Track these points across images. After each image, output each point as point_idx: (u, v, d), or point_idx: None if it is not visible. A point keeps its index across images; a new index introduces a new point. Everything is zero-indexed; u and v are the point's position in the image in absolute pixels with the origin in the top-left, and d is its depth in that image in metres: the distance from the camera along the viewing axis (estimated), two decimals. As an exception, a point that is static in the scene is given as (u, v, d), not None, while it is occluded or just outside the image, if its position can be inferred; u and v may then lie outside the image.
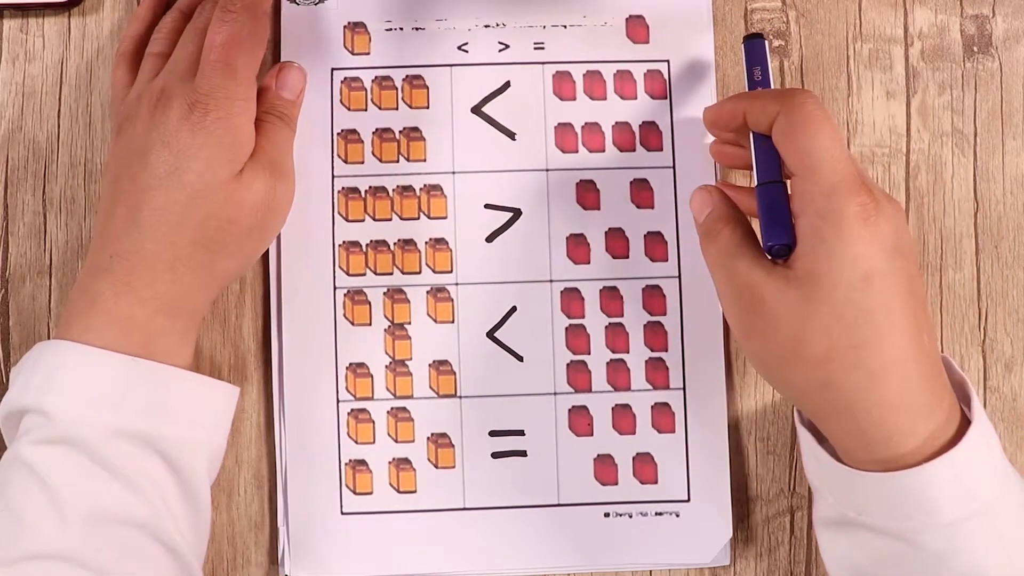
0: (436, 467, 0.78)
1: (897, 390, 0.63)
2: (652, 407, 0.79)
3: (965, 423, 0.65)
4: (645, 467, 0.78)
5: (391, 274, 0.79)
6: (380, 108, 0.80)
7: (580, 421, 0.79)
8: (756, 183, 0.69)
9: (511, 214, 0.80)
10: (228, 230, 0.71)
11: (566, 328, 0.79)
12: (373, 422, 0.78)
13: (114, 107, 0.77)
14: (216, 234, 0.71)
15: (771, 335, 0.65)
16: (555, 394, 0.79)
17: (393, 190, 0.80)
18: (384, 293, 0.79)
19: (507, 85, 0.81)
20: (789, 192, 0.67)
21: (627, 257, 0.80)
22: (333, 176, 0.80)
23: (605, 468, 0.78)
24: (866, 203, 0.63)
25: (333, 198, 0.79)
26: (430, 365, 0.79)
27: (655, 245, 0.80)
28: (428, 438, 0.78)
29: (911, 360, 0.63)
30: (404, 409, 0.78)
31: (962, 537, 0.63)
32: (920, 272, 0.69)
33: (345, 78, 0.81)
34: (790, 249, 0.65)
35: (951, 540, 0.63)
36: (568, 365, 0.79)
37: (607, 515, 0.78)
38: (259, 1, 0.73)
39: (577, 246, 0.80)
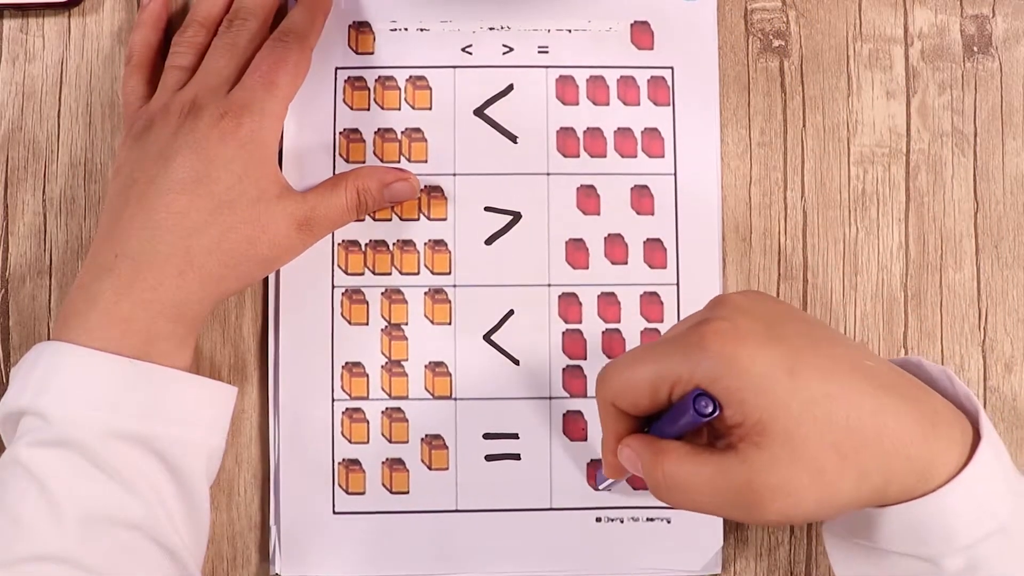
0: (429, 468, 0.79)
1: (896, 429, 0.60)
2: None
3: (976, 437, 0.62)
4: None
5: (389, 274, 0.80)
6: (383, 108, 0.80)
7: (575, 426, 0.79)
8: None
9: (511, 217, 0.80)
10: (245, 249, 0.72)
11: (563, 333, 0.80)
12: (367, 422, 0.79)
13: (127, 116, 0.77)
14: (234, 247, 0.72)
15: (791, 493, 0.59)
16: (550, 398, 0.79)
17: (394, 190, 0.80)
18: (382, 293, 0.79)
19: (510, 88, 0.81)
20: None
21: (626, 263, 0.80)
22: (333, 175, 0.79)
23: (599, 473, 0.79)
24: (715, 330, 0.60)
25: (334, 197, 0.80)
26: (426, 366, 0.79)
27: (654, 252, 0.80)
28: (422, 439, 0.79)
29: (884, 391, 0.61)
30: (399, 410, 0.79)
31: (982, 556, 0.61)
32: (797, 311, 0.66)
33: (348, 77, 0.80)
34: (715, 409, 0.59)
35: (971, 559, 0.61)
36: (564, 370, 0.79)
37: (599, 520, 0.79)
38: (309, 35, 0.77)
39: (576, 251, 0.80)
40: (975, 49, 0.83)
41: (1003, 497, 0.62)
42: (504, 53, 0.81)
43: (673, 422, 0.62)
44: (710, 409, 0.59)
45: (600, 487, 0.77)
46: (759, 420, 0.58)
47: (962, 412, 0.64)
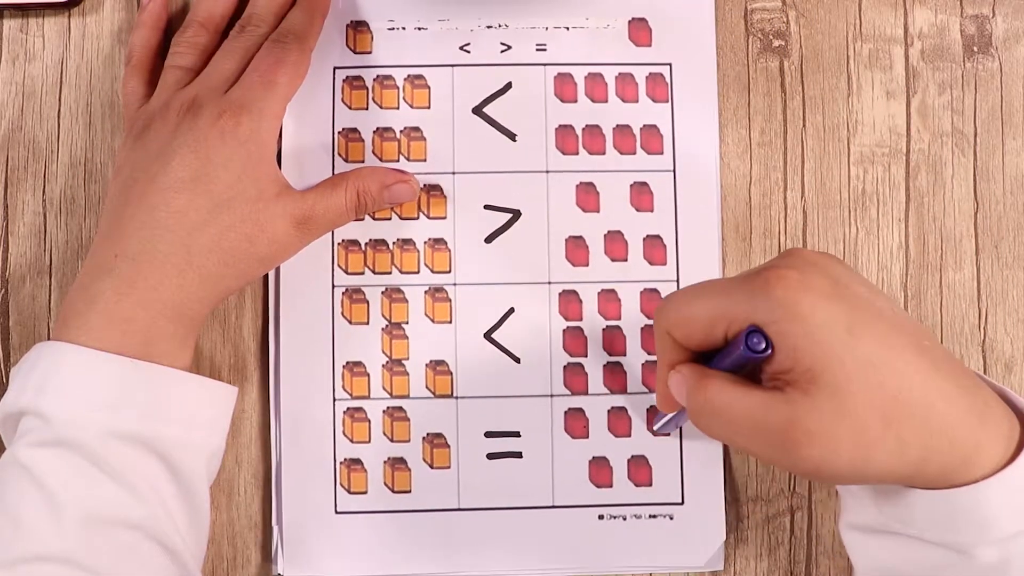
0: (431, 467, 0.78)
1: (944, 412, 0.60)
2: (648, 410, 0.79)
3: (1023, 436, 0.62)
4: (640, 469, 0.79)
5: (390, 273, 0.80)
6: (381, 107, 0.80)
7: (576, 423, 0.79)
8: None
9: (511, 215, 0.80)
10: (244, 248, 0.72)
11: (564, 330, 0.80)
12: (369, 421, 0.78)
13: (127, 117, 0.78)
14: (234, 246, 0.72)
15: (827, 444, 0.59)
16: (551, 396, 0.79)
17: (393, 189, 0.80)
18: (382, 292, 0.79)
19: (508, 86, 0.81)
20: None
21: (626, 260, 0.80)
22: (333, 175, 0.79)
23: (600, 470, 0.79)
24: (781, 276, 0.60)
25: (333, 196, 0.79)
26: (427, 365, 0.79)
27: (654, 249, 0.80)
28: (424, 438, 0.79)
29: (939, 373, 0.60)
30: (400, 409, 0.79)
31: (1017, 552, 0.61)
32: (867, 280, 0.65)
33: (347, 77, 0.81)
34: (767, 347, 0.60)
35: (1005, 553, 0.61)
36: (565, 367, 0.79)
37: (601, 517, 0.79)
38: (308, 36, 0.77)
39: (576, 248, 0.80)
40: (975, 49, 0.83)
41: None
42: (502, 51, 0.81)
43: (725, 358, 0.63)
44: (763, 346, 0.59)
45: (656, 428, 0.76)
46: (810, 368, 0.58)
47: (1012, 410, 0.64)
